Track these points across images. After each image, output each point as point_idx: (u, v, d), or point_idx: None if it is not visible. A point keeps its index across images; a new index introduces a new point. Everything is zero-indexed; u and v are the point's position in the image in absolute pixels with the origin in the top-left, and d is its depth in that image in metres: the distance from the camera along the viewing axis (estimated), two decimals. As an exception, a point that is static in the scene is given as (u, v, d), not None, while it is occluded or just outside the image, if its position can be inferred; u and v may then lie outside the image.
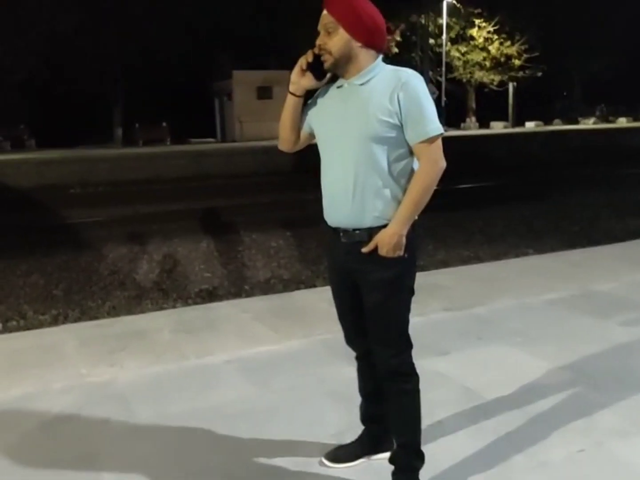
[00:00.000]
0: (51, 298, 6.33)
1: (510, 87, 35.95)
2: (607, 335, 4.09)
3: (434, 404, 3.07)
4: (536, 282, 5.36)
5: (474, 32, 34.76)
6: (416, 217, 2.28)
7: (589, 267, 5.84)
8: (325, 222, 2.43)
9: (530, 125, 35.85)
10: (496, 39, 34.67)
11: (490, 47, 34.89)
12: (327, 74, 2.33)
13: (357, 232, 2.30)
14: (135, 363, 3.84)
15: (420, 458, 2.48)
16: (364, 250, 2.27)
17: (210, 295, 6.45)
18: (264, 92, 29.33)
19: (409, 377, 2.42)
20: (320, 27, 2.26)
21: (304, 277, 7.11)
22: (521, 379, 3.45)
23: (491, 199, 11.55)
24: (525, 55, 34.50)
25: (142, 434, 3.02)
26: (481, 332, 4.19)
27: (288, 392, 3.38)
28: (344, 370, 3.56)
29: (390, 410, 2.49)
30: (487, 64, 35.23)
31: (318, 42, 2.26)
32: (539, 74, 34.85)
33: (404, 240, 2.24)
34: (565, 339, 4.04)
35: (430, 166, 2.21)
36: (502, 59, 35.06)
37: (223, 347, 4.05)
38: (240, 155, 21.14)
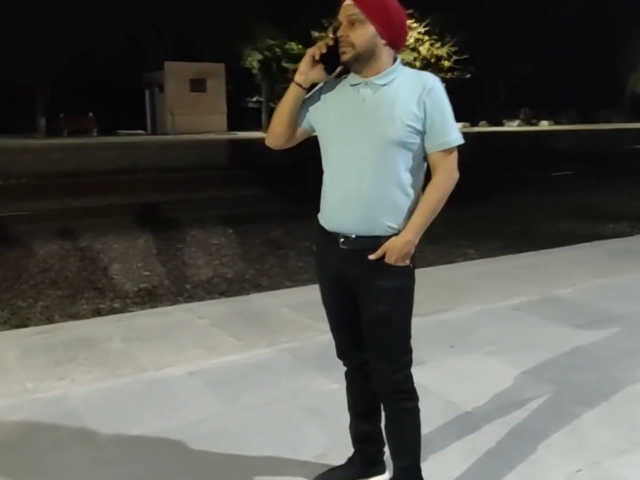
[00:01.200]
0: (-24, 298, 5.84)
1: (440, 88, 36.49)
2: (578, 344, 4.00)
3: (418, 420, 2.89)
4: (496, 287, 5.28)
5: (405, 32, 35.08)
6: None
7: (542, 272, 5.80)
8: (318, 225, 2.26)
9: (457, 126, 36.56)
10: (427, 40, 35.04)
11: (420, 48, 35.25)
12: (338, 68, 2.13)
13: (361, 239, 2.14)
14: (88, 376, 3.47)
15: (422, 483, 2.32)
16: (372, 257, 2.12)
17: (150, 295, 6.19)
18: (198, 85, 28.66)
19: (412, 394, 2.27)
20: (342, 18, 2.09)
21: (248, 276, 6.90)
22: (504, 392, 3.31)
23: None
24: (454, 57, 35.05)
25: (103, 460, 2.69)
26: (453, 340, 4.04)
27: (261, 408, 3.12)
28: (317, 383, 3.37)
29: (392, 431, 2.31)
30: (418, 64, 35.51)
31: (339, 33, 2.08)
32: (467, 75, 35.48)
33: (413, 249, 2.14)
34: (538, 347, 3.93)
35: (448, 176, 2.15)
36: (432, 60, 35.49)
37: (183, 357, 3.73)
38: (173, 148, 20.49)
